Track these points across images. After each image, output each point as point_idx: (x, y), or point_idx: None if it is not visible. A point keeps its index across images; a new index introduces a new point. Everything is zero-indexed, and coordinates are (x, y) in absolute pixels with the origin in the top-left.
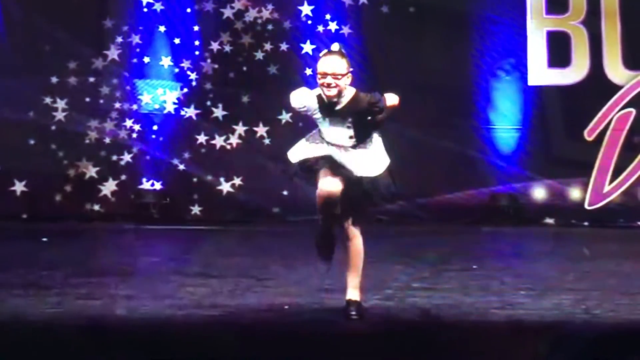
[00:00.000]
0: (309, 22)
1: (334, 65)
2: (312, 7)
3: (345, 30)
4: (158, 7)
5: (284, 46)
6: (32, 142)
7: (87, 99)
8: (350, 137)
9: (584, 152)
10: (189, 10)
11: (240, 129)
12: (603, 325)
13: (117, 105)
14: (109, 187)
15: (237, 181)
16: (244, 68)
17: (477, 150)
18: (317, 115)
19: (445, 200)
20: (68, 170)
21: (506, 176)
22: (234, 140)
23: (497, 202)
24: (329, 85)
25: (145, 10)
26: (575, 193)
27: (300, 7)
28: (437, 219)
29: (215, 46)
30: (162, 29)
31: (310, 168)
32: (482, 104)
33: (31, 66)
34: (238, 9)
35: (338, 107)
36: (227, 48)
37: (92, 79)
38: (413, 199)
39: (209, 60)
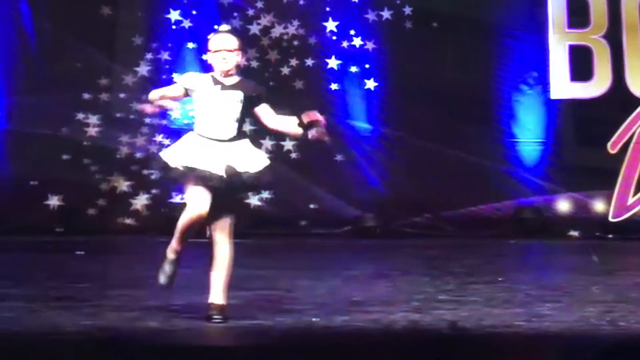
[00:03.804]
0: (334, 37)
1: (226, 41)
2: (336, 23)
3: (370, 45)
4: (186, 24)
5: (309, 61)
6: (65, 157)
7: (118, 115)
8: (231, 125)
9: (607, 165)
10: (216, 27)
11: (267, 143)
12: (629, 337)
13: (148, 120)
14: (140, 201)
15: (265, 194)
16: (271, 83)
17: (501, 164)
18: (204, 96)
19: (470, 213)
20: (101, 184)
21: (531, 189)
22: None
23: (521, 215)
24: (224, 59)
25: (174, 27)
26: (599, 205)
27: (325, 23)
28: (463, 232)
29: (242, 62)
30: (190, 45)
31: (180, 176)
32: (506, 117)
33: (64, 83)
34: (264, 26)
35: (229, 84)
36: (254, 64)
37: (122, 95)
38: (438, 211)
39: None
